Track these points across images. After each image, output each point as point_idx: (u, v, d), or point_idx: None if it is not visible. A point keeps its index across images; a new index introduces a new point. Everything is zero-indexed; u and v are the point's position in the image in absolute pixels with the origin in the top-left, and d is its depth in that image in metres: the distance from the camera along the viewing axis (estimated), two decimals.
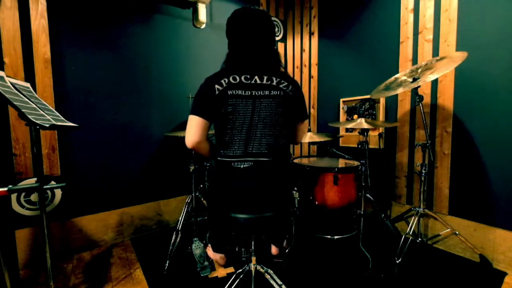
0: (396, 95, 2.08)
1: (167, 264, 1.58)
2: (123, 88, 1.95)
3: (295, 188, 1.55)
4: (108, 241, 1.93)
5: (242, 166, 1.04)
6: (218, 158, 1.08)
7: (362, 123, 1.75)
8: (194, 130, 1.06)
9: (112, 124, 1.91)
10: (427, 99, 1.87)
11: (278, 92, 1.06)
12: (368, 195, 1.89)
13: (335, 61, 2.62)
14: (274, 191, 1.09)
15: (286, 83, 1.08)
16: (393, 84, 1.72)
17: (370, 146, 2.16)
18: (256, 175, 1.05)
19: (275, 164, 1.07)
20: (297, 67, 2.99)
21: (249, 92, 1.03)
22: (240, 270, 1.29)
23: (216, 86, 1.02)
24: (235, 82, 1.03)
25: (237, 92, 1.02)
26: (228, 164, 1.05)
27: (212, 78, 1.06)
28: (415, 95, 1.58)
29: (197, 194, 1.88)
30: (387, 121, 2.16)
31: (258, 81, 1.05)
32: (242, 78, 1.04)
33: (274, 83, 1.06)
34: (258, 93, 1.04)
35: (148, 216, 2.11)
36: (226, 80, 1.03)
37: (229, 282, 1.28)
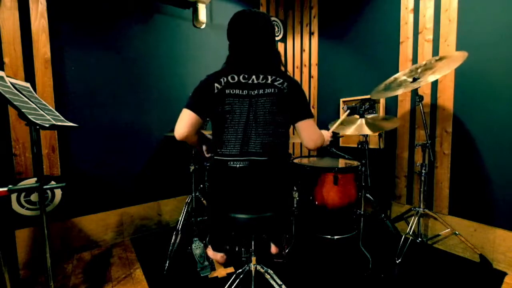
0: (396, 95, 2.08)
1: (167, 264, 1.58)
2: (123, 88, 1.95)
3: (294, 188, 1.55)
4: (108, 241, 1.93)
5: (238, 165, 1.04)
6: (215, 157, 1.09)
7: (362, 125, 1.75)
8: (184, 123, 1.04)
9: (112, 124, 1.91)
10: (427, 99, 1.87)
11: (272, 89, 1.05)
12: (368, 195, 1.89)
13: (335, 61, 2.62)
14: (270, 191, 1.09)
15: (281, 80, 1.07)
16: (393, 84, 1.72)
17: (370, 146, 2.16)
18: (251, 174, 1.05)
19: (271, 164, 1.07)
20: (297, 67, 2.99)
21: (246, 92, 1.04)
22: (240, 270, 1.29)
23: (216, 84, 1.04)
24: (233, 81, 1.04)
25: (234, 91, 1.04)
26: (224, 163, 1.06)
27: (213, 76, 1.07)
28: (415, 95, 1.58)
29: (197, 194, 1.88)
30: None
31: (255, 81, 1.06)
32: (240, 77, 1.05)
33: (269, 81, 1.06)
34: (254, 92, 1.05)
35: (148, 216, 2.11)
36: (225, 79, 1.04)
37: (229, 282, 1.28)
